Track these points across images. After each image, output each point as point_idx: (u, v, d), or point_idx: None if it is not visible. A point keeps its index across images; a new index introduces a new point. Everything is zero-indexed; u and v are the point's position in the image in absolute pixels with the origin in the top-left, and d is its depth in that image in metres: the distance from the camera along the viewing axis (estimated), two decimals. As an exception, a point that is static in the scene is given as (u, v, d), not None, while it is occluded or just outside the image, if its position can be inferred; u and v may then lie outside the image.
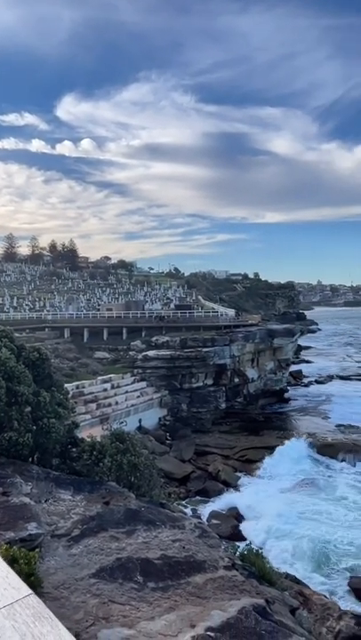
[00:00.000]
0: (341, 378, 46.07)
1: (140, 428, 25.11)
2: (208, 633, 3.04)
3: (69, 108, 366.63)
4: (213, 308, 45.58)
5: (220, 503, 18.96)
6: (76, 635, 2.91)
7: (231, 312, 43.59)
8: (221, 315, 40.91)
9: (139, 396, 27.77)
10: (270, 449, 24.66)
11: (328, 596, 11.32)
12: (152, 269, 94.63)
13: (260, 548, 6.56)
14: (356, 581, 13.85)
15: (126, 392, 27.28)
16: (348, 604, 12.60)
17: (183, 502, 18.25)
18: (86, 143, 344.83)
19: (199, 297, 57.93)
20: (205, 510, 17.94)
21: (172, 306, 48.99)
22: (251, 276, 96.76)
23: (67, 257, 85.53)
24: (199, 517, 15.53)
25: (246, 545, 6.39)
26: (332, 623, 7.98)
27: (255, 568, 5.34)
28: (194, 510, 17.81)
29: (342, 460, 23.93)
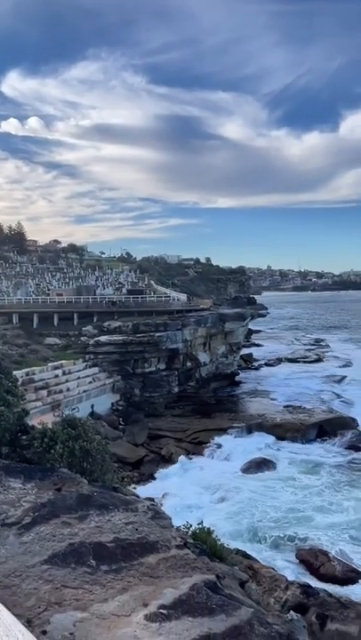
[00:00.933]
0: (290, 360, 47.61)
1: (92, 414, 24.94)
2: (161, 610, 3.12)
3: (14, 83, 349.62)
4: (166, 293, 45.62)
5: (172, 485, 19.26)
6: (29, 621, 2.90)
7: (183, 297, 43.79)
8: (174, 299, 41.03)
9: (91, 382, 27.53)
10: (222, 430, 25.27)
11: (276, 569, 11.86)
12: (103, 254, 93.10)
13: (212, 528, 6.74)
14: (302, 553, 14.57)
15: (78, 378, 26.95)
16: (296, 574, 13.24)
17: (137, 485, 18.39)
18: (33, 122, 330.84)
19: (151, 282, 57.75)
20: (158, 492, 18.16)
21: (124, 290, 48.57)
22: (203, 260, 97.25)
23: (14, 240, 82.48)
24: (152, 499, 15.70)
25: (198, 524, 6.55)
26: (280, 593, 8.37)
27: (206, 546, 5.50)
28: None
29: (290, 440, 24.87)
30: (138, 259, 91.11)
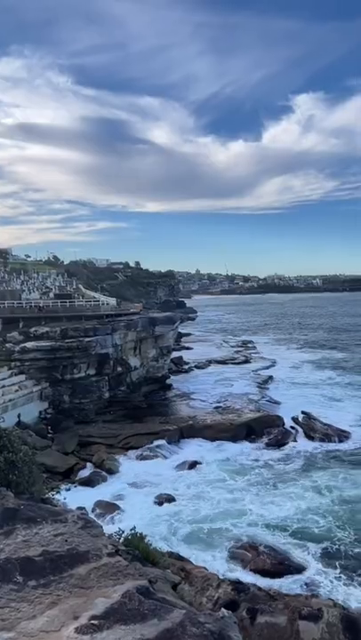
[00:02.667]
0: (219, 362, 48.64)
1: (19, 424, 23.90)
2: (92, 622, 3.04)
3: None
4: (95, 297, 44.90)
5: (105, 492, 18.97)
6: None
7: (113, 301, 43.36)
8: (103, 304, 40.49)
9: (17, 390, 26.41)
10: (154, 434, 25.25)
11: (209, 568, 12.03)
12: (29, 257, 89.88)
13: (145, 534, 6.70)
14: (234, 550, 14.91)
15: (3, 387, 25.75)
16: (229, 571, 13.53)
17: (67, 495, 17.88)
18: None
19: (80, 286, 56.59)
20: (90, 501, 17.80)
21: (51, 295, 47.16)
22: (132, 264, 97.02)
23: None
24: (83, 509, 15.35)
25: (131, 530, 6.49)
26: (212, 592, 8.50)
27: (139, 551, 5.46)
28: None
29: (221, 440, 25.38)
30: (65, 262, 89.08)
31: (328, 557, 14.60)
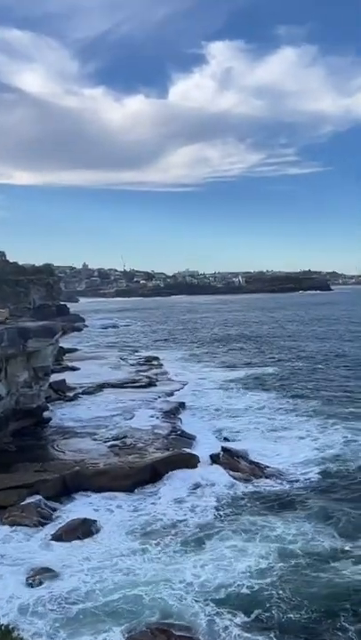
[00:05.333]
0: (115, 386, 48.43)
1: None
2: None
3: None
4: None
5: None
6: None
7: (-33, 306, 41.43)
8: None
9: None
10: (28, 487, 24.40)
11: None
12: None
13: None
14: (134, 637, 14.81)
15: None
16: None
17: None
18: None
19: None
20: None
21: None
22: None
23: None
24: None
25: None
26: None
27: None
28: None
29: (117, 490, 25.20)
30: None
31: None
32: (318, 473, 27.30)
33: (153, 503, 24.14)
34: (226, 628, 15.40)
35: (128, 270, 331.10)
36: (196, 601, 16.53)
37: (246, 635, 15.08)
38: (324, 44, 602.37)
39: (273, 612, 16.05)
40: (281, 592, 16.94)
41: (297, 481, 26.50)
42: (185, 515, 22.94)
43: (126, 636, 14.99)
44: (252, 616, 15.85)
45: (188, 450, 30.27)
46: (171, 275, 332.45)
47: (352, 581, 17.49)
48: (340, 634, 15.01)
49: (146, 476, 26.46)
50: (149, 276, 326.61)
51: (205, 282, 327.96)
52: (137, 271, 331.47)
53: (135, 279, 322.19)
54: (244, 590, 17.11)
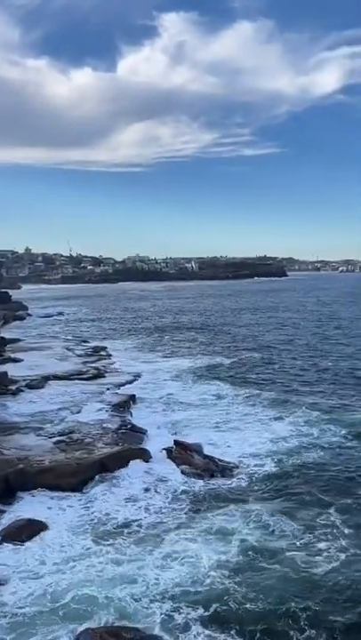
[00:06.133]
0: (61, 378, 47.98)
1: None
2: None
3: None
4: None
5: None
6: None
7: None
8: None
9: None
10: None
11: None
12: None
13: None
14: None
15: None
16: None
17: None
18: None
19: None
20: None
21: None
22: None
23: None
24: None
25: None
26: None
27: None
28: None
29: (64, 488, 25.05)
30: None
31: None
32: (273, 465, 27.77)
33: (103, 501, 24.01)
34: (184, 624, 15.64)
35: (75, 255, 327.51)
36: (152, 600, 16.64)
37: (204, 630, 15.38)
38: (282, 19, 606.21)
39: (231, 605, 16.39)
40: (239, 586, 17.32)
41: (252, 474, 26.88)
42: (137, 512, 22.97)
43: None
44: (211, 610, 16.14)
45: (138, 444, 30.37)
46: (120, 260, 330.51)
47: (307, 574, 18.01)
48: (293, 624, 15.52)
49: (94, 472, 26.38)
50: (97, 262, 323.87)
51: (157, 268, 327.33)
52: (84, 256, 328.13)
53: (82, 265, 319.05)
54: (202, 586, 17.35)
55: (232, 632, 15.33)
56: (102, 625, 15.47)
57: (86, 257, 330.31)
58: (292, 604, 16.32)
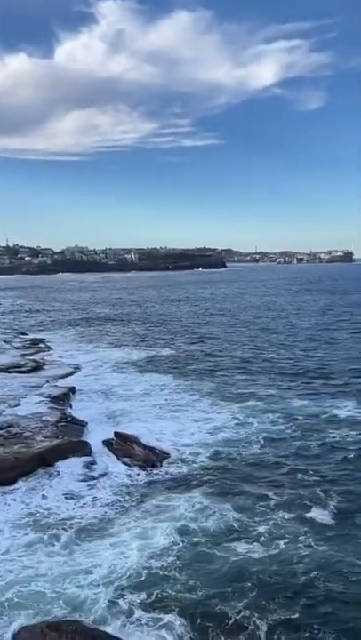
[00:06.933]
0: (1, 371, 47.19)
1: None
2: None
3: None
4: None
5: None
6: None
7: None
8: None
9: None
10: None
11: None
12: None
13: None
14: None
15: None
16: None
17: None
18: None
19: None
20: None
21: None
22: None
23: None
24: None
25: None
26: None
27: None
28: None
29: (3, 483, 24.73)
30: None
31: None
32: (213, 454, 28.14)
33: (44, 496, 23.80)
34: (127, 611, 15.88)
35: (11, 246, 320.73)
36: (97, 591, 16.74)
37: (147, 615, 15.69)
38: (220, 9, 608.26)
39: (172, 590, 16.79)
40: (180, 571, 17.71)
41: (193, 463, 27.19)
42: (80, 505, 22.88)
43: (15, 636, 14.87)
44: (153, 596, 16.46)
45: (79, 437, 30.24)
46: (59, 251, 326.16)
47: (245, 558, 18.51)
48: (231, 608, 16.00)
49: (34, 466, 26.12)
50: (35, 253, 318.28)
51: (96, 259, 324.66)
52: (21, 247, 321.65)
53: (19, 255, 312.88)
54: (146, 573, 17.62)
55: (173, 615, 15.68)
56: (43, 620, 15.47)
57: (23, 247, 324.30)
58: (230, 590, 16.80)
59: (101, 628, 15.17)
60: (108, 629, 15.11)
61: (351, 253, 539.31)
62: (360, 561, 18.30)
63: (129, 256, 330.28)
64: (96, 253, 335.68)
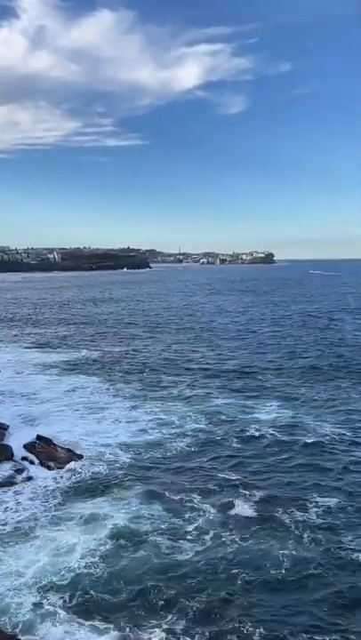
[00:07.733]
0: None
1: None
2: None
3: None
4: None
5: None
6: None
7: None
8: None
9: None
10: None
11: None
12: None
13: None
14: None
15: None
16: None
17: None
18: None
19: None
20: None
21: None
22: None
23: None
24: None
25: None
26: None
27: None
28: None
29: None
30: None
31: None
32: (137, 453, 28.36)
33: None
34: (51, 613, 15.87)
35: None
36: (21, 594, 16.57)
37: (71, 616, 15.75)
38: (143, 10, 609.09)
39: (96, 591, 16.92)
40: (105, 572, 17.85)
41: (117, 462, 27.24)
42: (4, 510, 22.46)
43: None
44: (78, 599, 16.51)
45: (0, 441, 29.62)
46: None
47: (171, 559, 18.79)
48: (148, 607, 16.38)
49: None
50: None
51: (17, 258, 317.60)
52: None
53: None
54: (72, 574, 17.68)
55: (96, 617, 15.76)
56: None
57: None
58: (153, 590, 17.05)
59: (23, 634, 15.01)
60: (32, 636, 14.99)
61: (272, 255, 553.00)
62: (280, 552, 19.03)
63: (52, 256, 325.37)
64: (17, 253, 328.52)
